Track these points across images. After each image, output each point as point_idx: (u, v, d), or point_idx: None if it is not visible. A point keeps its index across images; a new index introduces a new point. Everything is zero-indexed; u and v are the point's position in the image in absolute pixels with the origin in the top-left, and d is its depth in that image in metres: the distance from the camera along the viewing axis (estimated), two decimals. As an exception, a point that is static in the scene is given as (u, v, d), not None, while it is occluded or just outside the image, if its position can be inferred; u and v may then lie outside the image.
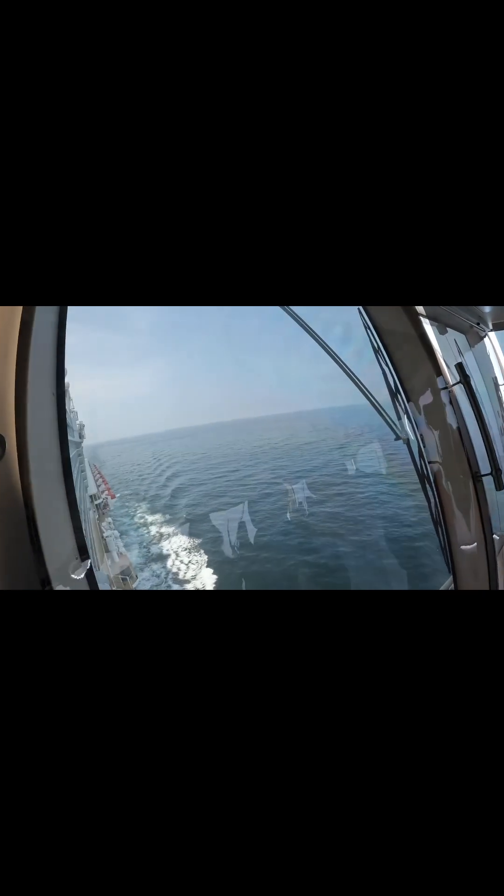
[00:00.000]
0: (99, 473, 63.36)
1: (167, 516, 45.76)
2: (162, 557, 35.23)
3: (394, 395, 3.32)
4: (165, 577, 31.49)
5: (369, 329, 3.17)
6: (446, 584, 3.82)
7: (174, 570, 32.40)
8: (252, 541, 28.83)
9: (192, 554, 33.86)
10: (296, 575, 25.94)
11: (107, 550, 31.89)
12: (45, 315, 2.18)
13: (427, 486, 3.26)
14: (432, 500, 3.22)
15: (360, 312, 3.15)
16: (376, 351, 3.23)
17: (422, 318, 3.00)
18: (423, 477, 3.28)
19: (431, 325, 3.27)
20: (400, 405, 3.34)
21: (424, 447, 3.28)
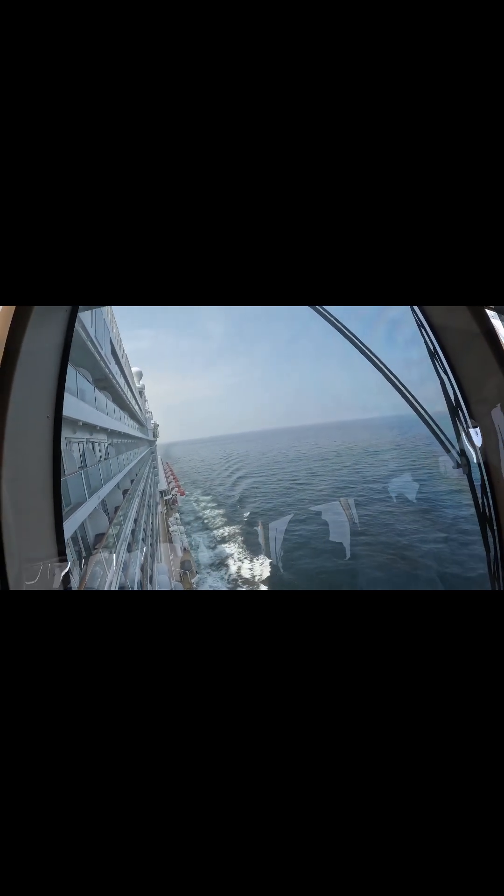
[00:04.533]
0: (170, 470, 66.26)
1: (231, 517, 47.10)
2: (224, 556, 36.46)
3: (454, 410, 2.63)
4: (225, 574, 32.22)
5: (423, 327, 2.52)
6: None
7: (234, 569, 33.41)
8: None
9: (251, 555, 34.57)
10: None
11: (170, 542, 33.29)
12: (44, 340, 2.31)
13: (489, 530, 2.53)
14: (493, 550, 2.48)
15: (411, 308, 2.52)
16: (432, 355, 2.57)
17: (489, 313, 2.29)
18: (484, 518, 2.55)
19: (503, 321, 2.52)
20: (461, 423, 2.64)
21: (489, 480, 2.54)
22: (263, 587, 30.01)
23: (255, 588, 30.39)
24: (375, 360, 2.69)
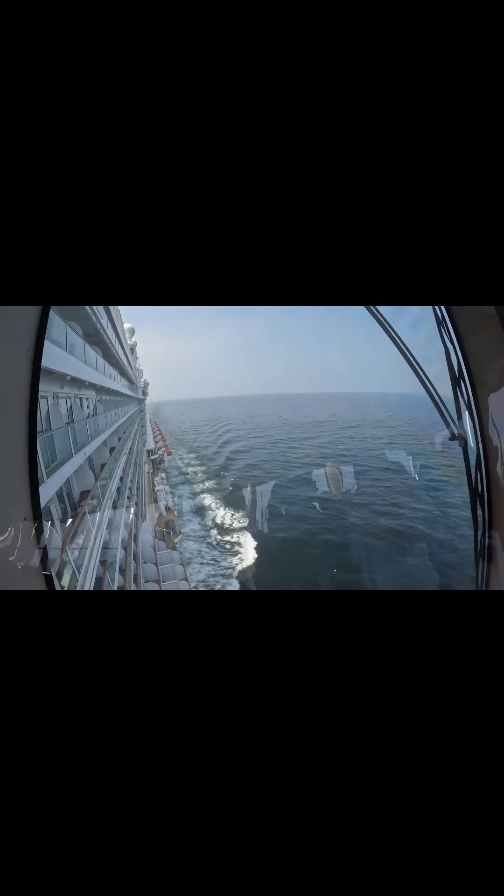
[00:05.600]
0: (158, 430, 65.81)
1: (217, 477, 49.06)
2: (206, 512, 38.54)
3: (456, 380, 2.57)
4: (207, 532, 33.98)
5: None
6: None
7: (218, 522, 35.53)
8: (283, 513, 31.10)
9: (234, 515, 36.76)
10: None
11: (155, 501, 33.76)
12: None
13: (479, 505, 2.53)
14: (480, 526, 2.50)
15: None
16: (439, 323, 2.48)
17: None
18: (475, 493, 2.55)
19: None
20: (462, 396, 2.59)
21: (485, 456, 2.52)
22: (242, 535, 31.94)
23: (231, 533, 32.67)
24: (385, 323, 2.59)
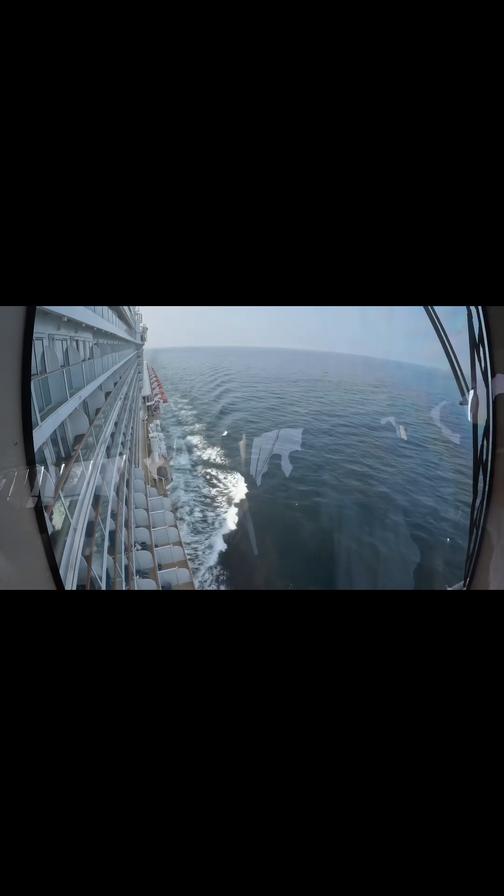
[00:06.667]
0: (155, 377, 64.73)
1: (210, 426, 50.09)
2: (194, 451, 41.40)
3: (475, 345, 2.44)
4: (195, 471, 36.23)
5: None
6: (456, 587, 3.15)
7: (207, 462, 38.11)
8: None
9: (219, 452, 39.98)
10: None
11: (149, 450, 34.00)
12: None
13: (482, 475, 2.48)
14: (480, 496, 2.46)
15: None
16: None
17: None
18: (479, 462, 2.49)
19: None
20: (480, 361, 2.47)
21: (494, 424, 2.44)
22: (224, 471, 34.66)
23: (213, 468, 35.52)
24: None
